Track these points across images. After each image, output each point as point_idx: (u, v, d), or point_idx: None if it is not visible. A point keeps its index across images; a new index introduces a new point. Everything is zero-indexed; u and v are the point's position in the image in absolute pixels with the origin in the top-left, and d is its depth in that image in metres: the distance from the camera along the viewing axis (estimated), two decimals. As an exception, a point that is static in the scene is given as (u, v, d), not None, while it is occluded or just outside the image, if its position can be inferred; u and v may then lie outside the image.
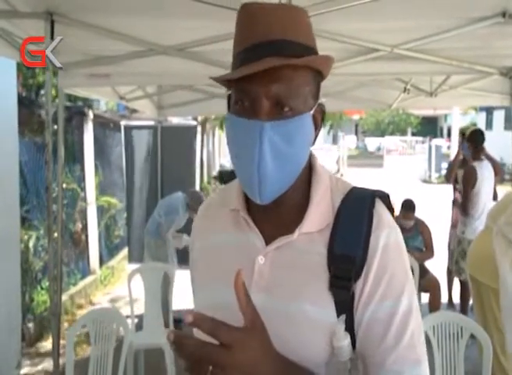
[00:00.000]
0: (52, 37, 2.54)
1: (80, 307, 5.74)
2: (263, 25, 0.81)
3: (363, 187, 0.92)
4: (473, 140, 4.75)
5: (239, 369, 0.68)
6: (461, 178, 4.76)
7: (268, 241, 0.87)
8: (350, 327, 0.81)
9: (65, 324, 4.87)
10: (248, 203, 0.90)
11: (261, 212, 0.88)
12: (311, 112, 0.84)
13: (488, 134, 5.61)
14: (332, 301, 0.81)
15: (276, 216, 0.88)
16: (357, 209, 0.85)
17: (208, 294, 0.92)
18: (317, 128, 0.87)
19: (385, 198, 0.89)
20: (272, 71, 0.77)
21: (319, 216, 0.86)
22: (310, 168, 0.90)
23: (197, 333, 0.70)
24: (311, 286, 0.82)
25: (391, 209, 0.89)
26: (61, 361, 2.78)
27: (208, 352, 0.67)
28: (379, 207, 0.86)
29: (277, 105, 0.80)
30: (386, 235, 0.83)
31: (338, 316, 0.81)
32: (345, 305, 0.81)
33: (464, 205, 4.58)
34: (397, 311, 0.81)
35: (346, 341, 0.79)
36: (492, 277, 2.73)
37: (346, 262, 0.81)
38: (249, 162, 0.80)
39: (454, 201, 5.29)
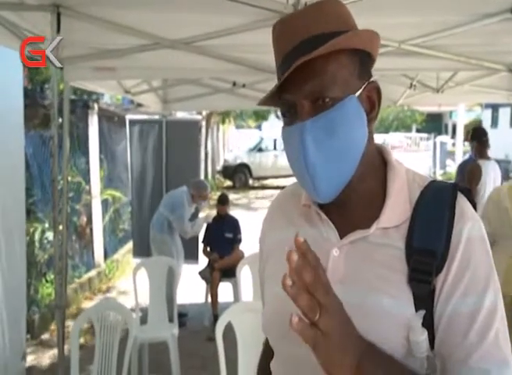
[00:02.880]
0: (59, 30, 2.54)
1: (85, 300, 5.77)
2: (289, 34, 0.82)
3: (442, 180, 0.91)
4: (477, 137, 4.71)
5: (339, 313, 0.68)
6: (466, 176, 4.72)
7: (340, 235, 0.87)
8: (429, 323, 0.79)
9: (70, 317, 4.90)
10: None
11: (332, 206, 0.88)
12: (357, 93, 0.82)
13: (493, 132, 5.59)
14: (410, 295, 0.79)
15: (348, 211, 0.88)
16: (438, 203, 0.83)
17: (279, 287, 0.92)
18: (373, 107, 0.86)
19: (466, 192, 0.87)
20: (301, 72, 0.78)
21: (397, 211, 0.85)
22: (384, 163, 0.90)
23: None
24: (389, 279, 0.81)
25: (473, 203, 0.87)
26: (66, 353, 2.79)
27: (319, 286, 0.65)
28: (461, 200, 0.84)
29: (317, 100, 0.80)
30: (470, 228, 0.81)
31: (417, 310, 0.79)
32: (424, 300, 0.79)
33: None
34: (481, 307, 0.78)
35: (422, 336, 0.77)
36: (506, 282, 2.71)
37: (426, 255, 0.79)
38: (298, 164, 0.82)
39: None
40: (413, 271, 0.80)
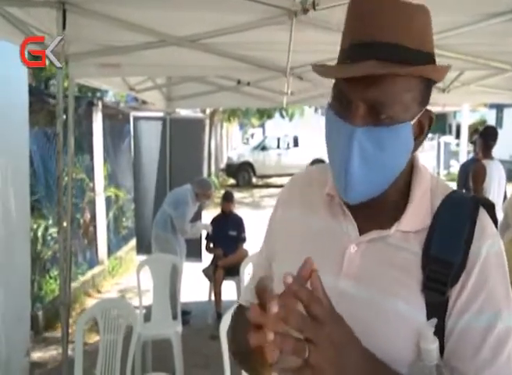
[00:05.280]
0: (64, 27, 2.54)
1: (88, 297, 5.78)
2: (374, 23, 0.77)
3: (463, 192, 0.91)
4: (485, 137, 4.69)
5: (331, 345, 0.66)
6: (471, 176, 4.70)
7: (360, 232, 0.86)
8: (440, 332, 0.79)
9: (74, 313, 4.91)
10: None
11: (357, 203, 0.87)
12: (413, 120, 0.81)
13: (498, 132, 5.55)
14: (423, 302, 0.79)
15: (372, 210, 0.87)
16: (459, 214, 0.83)
17: (287, 267, 0.90)
18: (421, 135, 0.85)
19: (489, 207, 0.86)
20: (368, 76, 0.75)
21: (418, 216, 0.84)
22: (411, 167, 0.89)
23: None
24: (404, 284, 0.81)
25: (495, 220, 0.86)
26: (70, 350, 2.79)
27: (306, 324, 0.65)
28: (483, 216, 0.84)
29: (373, 110, 0.78)
30: (489, 245, 0.81)
31: (428, 318, 0.79)
32: (437, 309, 0.79)
33: None
34: (496, 326, 0.78)
35: (434, 345, 0.77)
36: None
37: (442, 265, 0.79)
38: (338, 162, 0.81)
39: None
40: (428, 279, 0.79)
